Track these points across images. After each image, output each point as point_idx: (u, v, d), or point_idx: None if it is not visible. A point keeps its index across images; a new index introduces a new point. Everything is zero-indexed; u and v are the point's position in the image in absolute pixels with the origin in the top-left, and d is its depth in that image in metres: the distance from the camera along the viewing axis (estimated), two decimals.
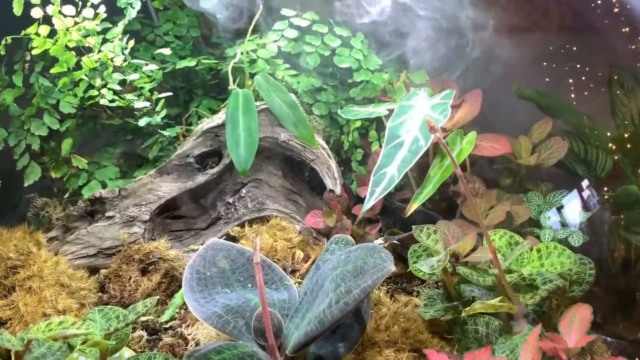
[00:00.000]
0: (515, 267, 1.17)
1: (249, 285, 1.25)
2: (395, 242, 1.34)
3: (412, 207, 1.28)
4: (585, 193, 1.69)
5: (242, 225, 1.55)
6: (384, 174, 1.21)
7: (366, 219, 1.65)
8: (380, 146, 1.66)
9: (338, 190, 1.58)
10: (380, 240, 1.48)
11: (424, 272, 1.12)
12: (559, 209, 1.58)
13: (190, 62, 1.65)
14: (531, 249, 1.14)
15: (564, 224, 1.54)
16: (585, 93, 1.86)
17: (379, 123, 1.75)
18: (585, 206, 1.63)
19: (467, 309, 1.06)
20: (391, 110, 1.40)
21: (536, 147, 1.67)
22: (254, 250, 1.08)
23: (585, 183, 1.73)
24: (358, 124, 1.69)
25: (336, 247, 1.27)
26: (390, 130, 1.29)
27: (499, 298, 1.08)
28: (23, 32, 1.38)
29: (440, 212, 1.58)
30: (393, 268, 0.99)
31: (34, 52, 1.41)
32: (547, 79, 1.84)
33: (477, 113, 1.59)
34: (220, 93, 1.85)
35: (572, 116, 1.77)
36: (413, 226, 1.23)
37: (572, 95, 1.82)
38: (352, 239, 1.28)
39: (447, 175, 1.30)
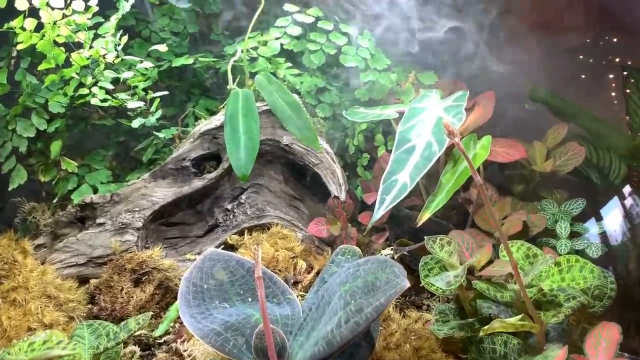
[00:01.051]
0: (534, 281, 1.10)
1: (249, 299, 1.18)
2: (405, 253, 1.28)
3: (424, 216, 1.22)
4: (600, 200, 1.63)
5: (241, 233, 1.49)
6: (394, 181, 1.15)
7: (372, 227, 1.59)
8: (388, 150, 1.62)
9: (343, 196, 1.52)
10: (388, 251, 1.42)
11: (439, 288, 1.06)
12: (575, 218, 1.53)
13: (187, 60, 1.58)
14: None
15: (580, 234, 1.49)
16: (599, 95, 1.81)
17: (385, 126, 1.69)
18: (600, 216, 1.57)
19: (486, 327, 1.00)
20: (401, 113, 1.34)
21: (551, 153, 1.62)
22: (255, 261, 1.02)
23: (600, 190, 1.68)
24: (364, 126, 1.63)
25: (342, 258, 1.21)
26: (401, 134, 1.23)
27: (519, 316, 1.02)
28: (6, 26, 1.31)
29: (449, 220, 1.52)
30: (407, 284, 0.92)
31: (20, 47, 1.34)
32: (557, 80, 1.79)
33: (489, 116, 1.54)
34: (219, 93, 1.80)
35: (587, 120, 1.72)
36: (425, 237, 1.17)
37: (585, 98, 1.78)
38: (359, 250, 1.22)
39: (461, 183, 1.25)
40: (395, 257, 1.25)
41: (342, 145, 1.70)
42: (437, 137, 1.19)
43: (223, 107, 1.54)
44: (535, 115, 1.83)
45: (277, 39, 1.57)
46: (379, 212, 1.14)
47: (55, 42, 1.34)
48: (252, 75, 1.56)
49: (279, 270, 1.39)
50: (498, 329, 1.01)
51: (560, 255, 1.40)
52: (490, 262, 1.21)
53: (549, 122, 1.72)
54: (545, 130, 1.68)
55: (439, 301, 1.38)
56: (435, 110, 1.28)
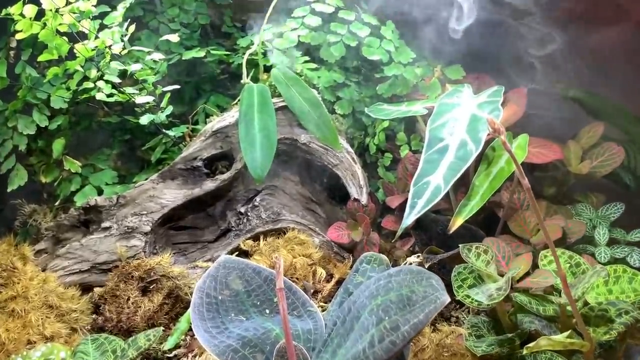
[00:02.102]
0: (581, 294, 1.02)
1: (267, 311, 1.12)
2: (435, 262, 1.20)
3: (457, 222, 1.15)
4: (636, 206, 1.55)
5: (255, 238, 1.42)
6: (426, 184, 1.07)
7: (394, 232, 1.51)
8: (412, 150, 1.53)
9: (364, 199, 1.44)
10: (414, 258, 1.34)
11: (478, 301, 0.98)
12: (613, 224, 1.45)
13: (198, 53, 1.51)
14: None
15: (619, 241, 1.41)
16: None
17: (407, 124, 1.61)
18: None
19: (531, 345, 0.92)
20: (429, 110, 1.26)
21: (586, 154, 1.54)
22: (276, 271, 0.94)
23: (635, 195, 1.59)
24: (385, 124, 1.55)
25: (368, 267, 1.13)
26: (432, 132, 1.15)
27: (566, 333, 0.94)
28: (4, 12, 1.23)
29: (476, 225, 1.44)
30: (447, 299, 0.85)
31: (19, 36, 1.27)
32: (592, 76, 1.71)
33: (522, 114, 1.46)
34: (230, 89, 1.73)
35: (625, 120, 1.64)
36: (460, 245, 1.09)
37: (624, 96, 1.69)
38: (386, 258, 1.14)
39: (497, 186, 1.17)
40: (426, 266, 1.17)
41: (362, 145, 1.62)
42: (473, 135, 1.11)
43: (236, 103, 1.47)
44: (561, 112, 1.75)
45: (293, 30, 1.49)
46: (410, 218, 1.06)
47: (57, 32, 1.26)
48: (267, 69, 1.49)
49: (297, 279, 1.32)
50: (544, 347, 0.93)
51: (600, 263, 1.32)
52: (527, 272, 1.13)
53: (574, 120, 1.64)
54: (571, 130, 1.60)
55: (469, 313, 1.30)
56: (468, 106, 1.20)
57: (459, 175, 1.07)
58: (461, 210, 1.16)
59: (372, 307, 0.90)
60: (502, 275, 1.10)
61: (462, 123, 1.16)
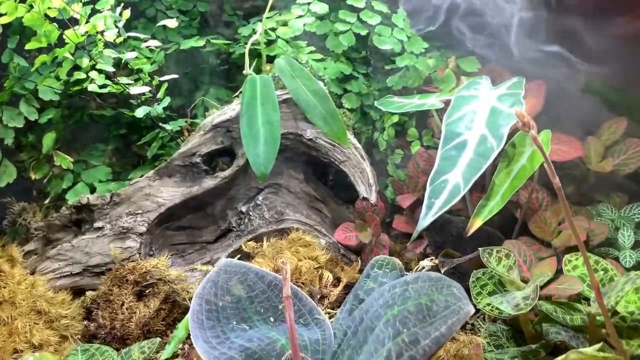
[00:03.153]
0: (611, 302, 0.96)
1: (271, 319, 1.06)
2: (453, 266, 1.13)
3: (475, 223, 1.09)
4: None
5: (257, 239, 1.36)
6: (444, 182, 1.01)
7: (405, 234, 1.45)
8: (423, 146, 1.47)
9: (373, 198, 1.38)
10: (426, 262, 1.27)
11: (503, 311, 0.91)
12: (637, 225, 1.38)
13: (197, 42, 1.45)
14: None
15: None
16: None
17: (419, 118, 1.55)
18: None
19: (560, 358, 0.85)
20: (446, 103, 1.20)
21: (607, 151, 1.47)
22: (283, 279, 0.88)
23: None
24: (395, 119, 1.48)
25: (379, 272, 1.07)
26: (448, 127, 1.08)
27: (597, 346, 0.87)
28: None
29: (492, 226, 1.38)
30: (472, 310, 0.78)
31: (3, 20, 1.19)
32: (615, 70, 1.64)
33: (541, 107, 1.39)
34: (231, 81, 1.67)
35: None
36: (480, 249, 1.02)
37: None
38: (399, 262, 1.08)
39: (519, 185, 1.11)
40: (442, 271, 1.11)
41: (370, 140, 1.56)
42: (493, 130, 1.05)
43: (238, 95, 1.40)
44: (578, 107, 1.68)
45: (299, 17, 1.42)
46: (427, 219, 1.00)
47: (46, 16, 1.19)
48: (270, 60, 1.42)
49: (302, 284, 1.26)
50: None
51: (624, 268, 1.25)
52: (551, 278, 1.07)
53: (592, 115, 1.58)
54: (591, 125, 1.53)
55: (484, 320, 1.24)
56: (487, 99, 1.13)
57: (479, 174, 1.00)
58: (480, 211, 1.09)
59: (387, 317, 0.84)
60: (524, 282, 1.03)
61: (481, 117, 1.09)
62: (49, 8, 1.17)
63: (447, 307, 0.80)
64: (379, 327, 0.84)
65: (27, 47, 1.23)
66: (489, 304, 0.97)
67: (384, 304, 0.88)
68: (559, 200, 1.37)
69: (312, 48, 1.49)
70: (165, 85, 1.34)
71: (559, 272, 1.11)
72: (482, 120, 1.08)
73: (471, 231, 1.09)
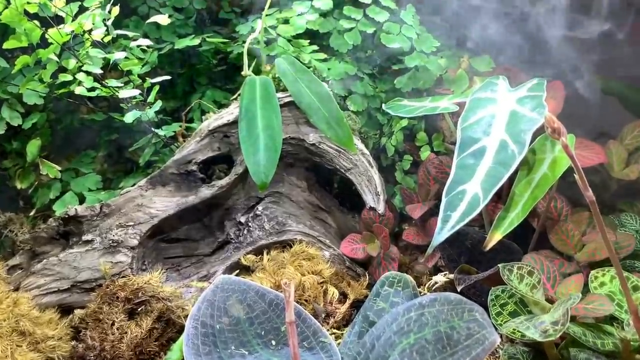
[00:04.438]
0: None
1: (273, 343, 1.00)
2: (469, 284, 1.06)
3: (494, 237, 1.02)
4: None
5: (257, 252, 1.30)
6: (462, 193, 0.94)
7: (415, 246, 1.38)
8: (433, 151, 1.40)
9: (381, 208, 1.31)
10: (439, 277, 1.20)
11: (528, 337, 0.84)
12: None
13: (192, 41, 1.38)
14: None
15: None
16: None
17: (428, 122, 1.47)
18: None
19: None
20: (460, 105, 1.13)
21: (631, 157, 1.40)
22: (286, 303, 0.81)
23: None
24: (404, 123, 1.41)
25: (391, 290, 1.01)
26: (464, 132, 1.01)
27: None
28: None
29: (507, 237, 1.31)
30: (498, 339, 0.71)
31: None
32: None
33: (560, 110, 1.32)
34: (228, 82, 1.61)
35: None
36: (500, 265, 0.95)
37: None
38: (412, 279, 1.01)
39: (540, 195, 1.04)
40: (458, 289, 1.03)
41: (377, 145, 1.49)
42: (514, 135, 0.98)
43: (236, 98, 1.34)
44: (598, 108, 1.61)
45: (301, 14, 1.35)
46: (443, 234, 0.93)
47: (25, 13, 1.11)
48: (270, 60, 1.35)
49: (306, 301, 1.19)
50: None
51: None
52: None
53: (612, 117, 1.51)
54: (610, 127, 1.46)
55: (505, 341, 1.17)
56: (506, 101, 1.06)
57: (500, 184, 0.93)
58: (499, 224, 1.02)
59: (403, 347, 0.77)
60: (549, 301, 0.96)
61: (500, 121, 1.02)
62: (27, 3, 1.09)
63: (470, 335, 0.73)
64: (393, 357, 0.77)
65: (5, 46, 1.16)
66: (515, 330, 0.90)
67: (398, 330, 0.81)
68: (579, 210, 1.31)
69: (315, 47, 1.42)
70: (156, 88, 1.28)
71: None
72: (502, 125, 1.01)
73: (490, 245, 1.02)
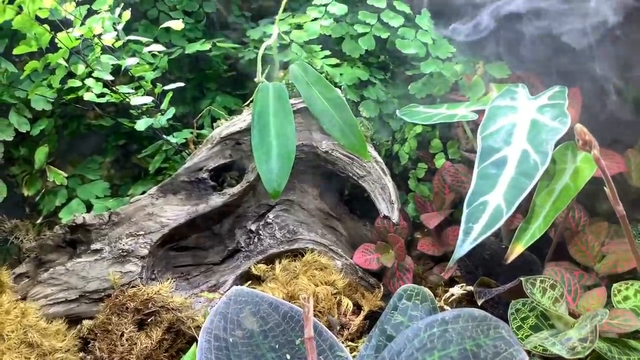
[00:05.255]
0: None
1: (287, 357, 0.98)
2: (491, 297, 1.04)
3: (515, 249, 1.00)
4: None
5: (267, 261, 1.29)
6: (483, 205, 0.92)
7: (428, 256, 1.36)
8: (448, 159, 1.38)
9: (395, 217, 1.29)
10: (457, 290, 1.18)
11: (551, 351, 0.82)
12: None
13: (203, 46, 1.37)
14: None
15: None
16: None
17: (442, 129, 1.46)
18: None
19: None
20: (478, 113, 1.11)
21: None
22: (305, 319, 0.79)
23: None
24: (418, 130, 1.39)
25: (409, 304, 0.99)
26: (484, 140, 1.00)
27: None
28: None
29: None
30: (526, 357, 0.69)
31: None
32: None
33: (578, 118, 1.30)
34: (237, 88, 1.60)
35: None
36: (522, 279, 0.93)
37: None
38: (430, 292, 0.99)
39: (563, 206, 1.02)
40: (479, 303, 1.02)
41: (389, 153, 1.47)
42: (536, 145, 0.96)
43: (248, 104, 1.32)
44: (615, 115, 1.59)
45: (315, 19, 1.33)
46: (465, 246, 0.91)
47: (37, 18, 1.10)
48: (282, 66, 1.34)
49: (320, 312, 1.17)
50: None
51: None
52: None
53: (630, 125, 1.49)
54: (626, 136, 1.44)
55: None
56: (527, 110, 1.05)
57: (524, 195, 0.91)
58: (520, 236, 1.00)
59: None
60: (572, 315, 0.94)
61: (521, 130, 1.00)
62: (39, 8, 1.08)
63: (497, 354, 0.71)
64: None
65: (15, 51, 1.14)
66: (540, 346, 0.88)
67: (420, 347, 0.79)
68: (596, 220, 1.29)
69: (327, 52, 1.41)
70: (170, 94, 1.26)
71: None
72: (523, 134, 0.99)
73: (511, 258, 1.00)
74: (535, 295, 0.93)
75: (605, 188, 0.74)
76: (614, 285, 1.02)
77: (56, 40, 1.15)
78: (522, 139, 0.99)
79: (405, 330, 0.88)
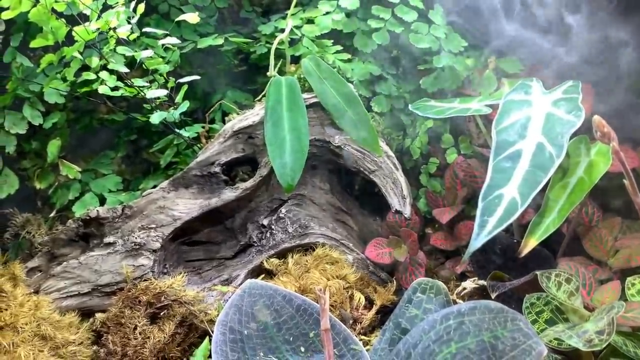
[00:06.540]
0: None
1: (302, 349, 0.98)
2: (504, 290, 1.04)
3: (529, 243, 1.00)
4: None
5: (280, 255, 1.29)
6: (498, 198, 0.92)
7: (440, 250, 1.36)
8: (460, 154, 1.38)
9: (407, 211, 1.29)
10: (468, 283, 1.18)
11: (561, 341, 0.82)
12: None
13: (215, 41, 1.37)
14: None
15: None
16: None
17: (453, 123, 1.45)
18: None
19: None
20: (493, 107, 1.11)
21: None
22: (321, 310, 0.80)
23: None
24: (430, 124, 1.39)
25: (423, 297, 0.99)
26: (499, 135, 1.00)
27: None
28: None
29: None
30: (545, 350, 0.70)
31: (6, 15, 1.12)
32: None
33: (589, 114, 1.30)
34: (248, 83, 1.59)
35: None
36: (538, 272, 0.94)
37: None
38: (444, 285, 0.99)
39: (577, 200, 1.02)
40: (493, 297, 1.02)
41: (399, 147, 1.47)
42: (551, 138, 0.96)
43: (260, 99, 1.32)
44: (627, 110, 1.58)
45: (327, 14, 1.34)
46: (480, 239, 0.91)
47: (53, 11, 1.10)
48: (294, 60, 1.34)
49: (332, 306, 1.18)
50: None
51: None
52: None
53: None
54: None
55: None
56: (541, 104, 1.05)
57: (539, 188, 0.92)
58: (534, 230, 1.00)
59: (444, 356, 0.75)
60: (587, 309, 0.95)
61: (536, 124, 1.00)
62: (56, 1, 1.08)
63: (516, 346, 0.71)
64: None
65: (32, 45, 1.15)
66: (558, 340, 0.88)
67: (437, 339, 0.79)
68: (609, 215, 1.29)
69: (339, 47, 1.41)
70: (185, 88, 1.26)
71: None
72: (538, 128, 0.99)
73: (525, 252, 1.00)
74: (550, 289, 0.93)
75: (624, 181, 0.74)
76: (628, 278, 1.02)
77: (73, 34, 1.15)
78: (537, 132, 0.99)
79: (421, 323, 0.88)
